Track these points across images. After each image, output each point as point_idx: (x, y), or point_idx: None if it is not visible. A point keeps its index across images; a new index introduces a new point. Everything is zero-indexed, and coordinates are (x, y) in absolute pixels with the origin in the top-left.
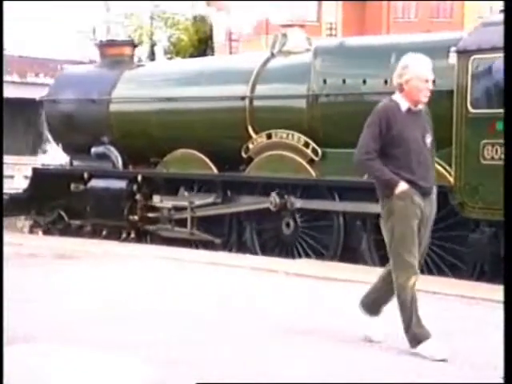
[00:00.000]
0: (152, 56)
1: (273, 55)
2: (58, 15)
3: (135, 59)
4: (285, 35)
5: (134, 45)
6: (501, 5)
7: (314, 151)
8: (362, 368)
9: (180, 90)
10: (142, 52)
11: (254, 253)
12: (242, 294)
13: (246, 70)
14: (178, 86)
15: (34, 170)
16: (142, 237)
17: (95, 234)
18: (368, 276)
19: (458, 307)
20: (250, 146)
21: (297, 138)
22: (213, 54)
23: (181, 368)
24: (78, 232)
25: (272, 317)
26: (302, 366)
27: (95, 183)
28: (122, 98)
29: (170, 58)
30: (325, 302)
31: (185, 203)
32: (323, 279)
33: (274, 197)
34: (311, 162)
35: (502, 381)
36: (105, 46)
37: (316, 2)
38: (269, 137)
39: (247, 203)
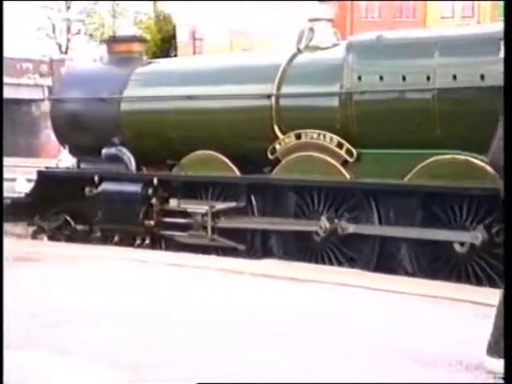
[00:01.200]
0: None
1: (299, 51)
2: (16, 13)
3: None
4: (312, 30)
5: (143, 41)
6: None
7: (349, 152)
8: None
9: (200, 88)
10: (103, 50)
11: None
12: (203, 294)
13: (271, 67)
14: (197, 83)
15: (40, 172)
16: (157, 243)
17: (105, 239)
18: (331, 276)
19: None
20: (277, 146)
21: (329, 138)
22: (176, 54)
23: (141, 372)
24: (85, 238)
25: (233, 316)
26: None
27: (107, 186)
28: (134, 97)
29: None
30: (286, 301)
31: (205, 207)
32: (289, 279)
33: (324, 221)
34: (344, 163)
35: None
36: (112, 42)
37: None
38: (298, 137)
39: (284, 222)
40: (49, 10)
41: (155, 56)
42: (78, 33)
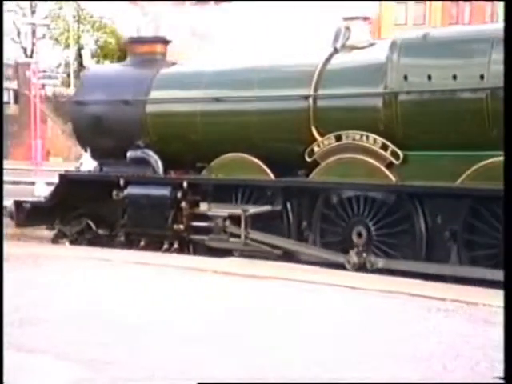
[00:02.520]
0: (79, 59)
1: (336, 50)
2: None
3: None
4: (348, 28)
5: (166, 42)
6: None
7: (394, 154)
8: None
9: (230, 89)
10: (68, 55)
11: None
12: (165, 292)
13: (308, 67)
14: (227, 85)
15: (61, 176)
16: (185, 247)
17: (130, 244)
18: (292, 273)
19: None
20: (316, 148)
21: (372, 140)
22: None
23: (105, 369)
24: (108, 242)
25: (187, 313)
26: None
27: (133, 190)
28: (161, 99)
29: (98, 62)
30: (241, 297)
31: (238, 211)
32: (249, 277)
33: (353, 256)
34: (389, 166)
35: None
36: (134, 43)
37: None
38: (338, 139)
39: (313, 249)
40: (13, 14)
41: (119, 60)
42: (43, 37)
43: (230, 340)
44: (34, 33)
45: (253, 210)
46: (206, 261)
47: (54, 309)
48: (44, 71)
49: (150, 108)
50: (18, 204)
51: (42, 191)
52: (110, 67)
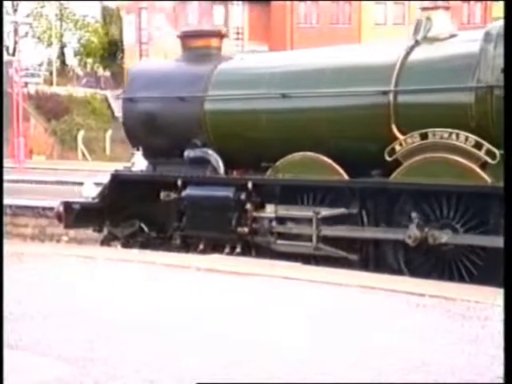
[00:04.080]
0: (62, 57)
1: (417, 42)
2: None
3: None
4: (429, 19)
5: (221, 35)
6: None
7: (489, 153)
8: None
9: (299, 85)
10: (51, 53)
11: (399, 272)
12: (147, 289)
13: (386, 61)
14: (295, 81)
15: (114, 176)
16: (247, 251)
17: (187, 247)
18: (275, 270)
19: None
20: (397, 147)
21: (464, 138)
22: (123, 57)
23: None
24: (163, 245)
25: (167, 309)
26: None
27: (193, 191)
28: (221, 95)
29: (81, 60)
30: (222, 293)
31: (309, 214)
32: (231, 273)
33: (414, 230)
34: (482, 166)
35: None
36: (189, 37)
37: (223, 6)
38: (423, 137)
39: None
40: None
41: (102, 58)
42: (26, 35)
43: (210, 336)
44: (16, 31)
45: (325, 212)
46: (189, 258)
47: (36, 305)
48: (26, 69)
49: (208, 105)
50: (66, 205)
51: (90, 192)
52: (160, 63)
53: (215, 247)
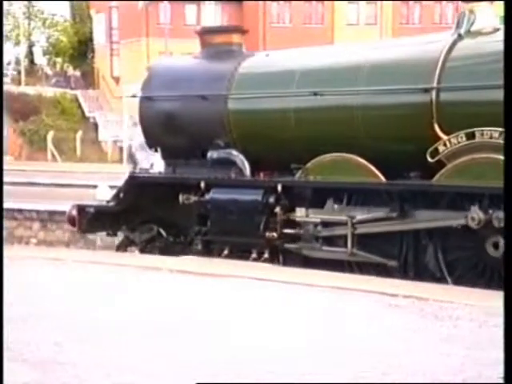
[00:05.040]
0: (30, 56)
1: (460, 37)
2: None
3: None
4: (472, 12)
5: (243, 31)
6: None
7: None
8: None
9: (333, 83)
10: (19, 52)
11: (442, 279)
12: (116, 291)
13: (427, 57)
14: (329, 78)
15: (131, 178)
16: (275, 257)
17: (208, 253)
18: (247, 271)
19: None
20: (441, 148)
21: None
22: (93, 56)
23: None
24: (183, 250)
25: (132, 310)
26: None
27: (218, 194)
28: (246, 94)
29: (50, 59)
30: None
31: (343, 218)
32: (204, 275)
33: (476, 211)
34: None
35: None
36: (208, 33)
37: (195, 5)
38: (469, 137)
39: (431, 219)
40: None
41: (72, 58)
42: None
43: (178, 338)
44: None
45: (361, 216)
46: (162, 260)
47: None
48: None
49: (232, 104)
50: (80, 208)
51: (104, 195)
52: (179, 60)
53: (241, 252)
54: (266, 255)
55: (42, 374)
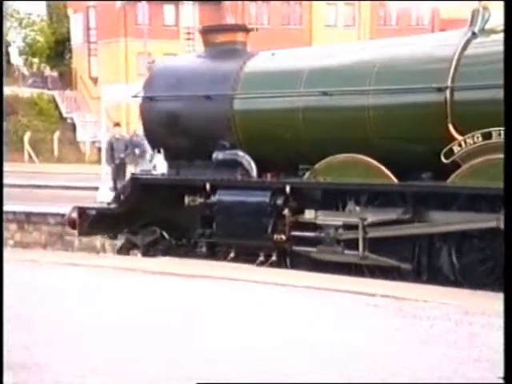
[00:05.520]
0: (7, 56)
1: (474, 35)
2: None
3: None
4: (486, 9)
5: (247, 30)
6: None
7: None
8: None
9: (343, 82)
10: None
11: (456, 284)
12: (91, 293)
13: (441, 55)
14: (339, 77)
15: (134, 180)
16: (283, 260)
17: (213, 255)
18: (223, 271)
19: None
20: (455, 148)
21: None
22: (71, 56)
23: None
24: (187, 253)
25: (116, 313)
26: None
27: (225, 195)
28: (253, 94)
29: (27, 59)
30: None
31: (354, 220)
32: (179, 275)
33: None
34: None
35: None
36: (211, 32)
37: (173, 6)
38: (486, 137)
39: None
40: None
41: (49, 58)
42: None
43: (154, 339)
44: None
45: (373, 218)
46: (137, 261)
47: None
48: None
49: (238, 104)
50: (81, 211)
51: (105, 197)
52: (182, 59)
53: (247, 255)
54: (274, 258)
55: (16, 376)
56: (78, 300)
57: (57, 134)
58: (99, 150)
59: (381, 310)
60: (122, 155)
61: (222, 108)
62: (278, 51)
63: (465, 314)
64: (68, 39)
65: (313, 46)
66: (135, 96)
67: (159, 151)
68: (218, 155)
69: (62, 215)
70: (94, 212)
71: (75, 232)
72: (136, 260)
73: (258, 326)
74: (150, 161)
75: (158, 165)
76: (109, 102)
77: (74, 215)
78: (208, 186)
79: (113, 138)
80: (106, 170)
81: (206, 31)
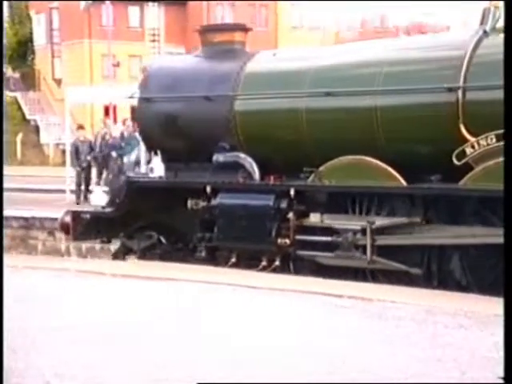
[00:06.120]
0: None
1: (486, 33)
2: None
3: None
4: (498, 8)
5: (246, 29)
6: None
7: None
8: None
9: (349, 82)
10: None
11: (467, 289)
12: (54, 296)
13: (451, 54)
14: (344, 77)
15: (130, 183)
16: (286, 265)
17: (214, 260)
18: (191, 274)
19: None
20: (468, 150)
21: None
22: (34, 58)
23: None
24: (185, 258)
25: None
26: None
27: (227, 199)
28: (255, 94)
29: None
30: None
31: (361, 223)
32: (145, 278)
33: None
34: None
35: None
36: (209, 31)
37: (138, 7)
38: (500, 138)
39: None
40: None
41: (11, 59)
42: None
43: (118, 342)
44: None
45: (381, 221)
46: (104, 264)
47: None
48: None
49: (240, 105)
50: (75, 215)
51: (100, 200)
52: (179, 59)
53: (249, 260)
54: (277, 263)
55: None
56: (39, 303)
57: (19, 136)
58: (63, 152)
59: (347, 311)
60: (89, 158)
61: (222, 109)
62: (279, 51)
63: (429, 314)
64: (31, 40)
65: (316, 46)
66: (131, 97)
67: (156, 153)
68: (218, 157)
69: (26, 218)
70: (88, 216)
71: (38, 235)
72: (101, 263)
73: (217, 328)
74: (148, 163)
75: (155, 167)
76: (73, 103)
77: (68, 219)
78: (209, 189)
79: (77, 140)
80: (70, 173)
81: (204, 31)
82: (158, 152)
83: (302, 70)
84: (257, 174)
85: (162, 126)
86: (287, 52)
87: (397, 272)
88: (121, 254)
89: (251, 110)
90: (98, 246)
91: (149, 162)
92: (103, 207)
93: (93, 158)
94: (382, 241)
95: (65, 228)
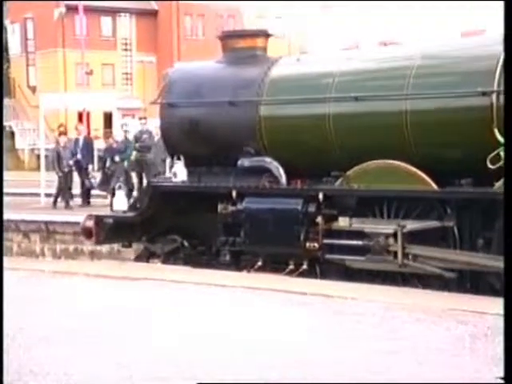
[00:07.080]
0: None
1: None
2: None
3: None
4: None
5: (267, 35)
6: None
7: None
8: None
9: (377, 86)
10: None
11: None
12: (28, 296)
13: (485, 58)
14: (372, 81)
15: (154, 187)
16: (313, 269)
17: (238, 264)
18: (164, 274)
19: None
20: (503, 154)
21: None
22: (9, 66)
23: None
24: (209, 262)
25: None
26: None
27: (254, 203)
28: (280, 100)
29: None
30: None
31: (391, 227)
32: (120, 278)
33: None
34: None
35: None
36: (231, 37)
37: (111, 17)
38: None
39: None
40: None
41: None
42: None
43: (91, 339)
44: None
45: (412, 225)
46: (77, 265)
47: None
48: None
49: (265, 110)
50: (98, 219)
51: (122, 205)
52: (201, 65)
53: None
54: (305, 266)
55: None
56: (13, 305)
57: None
58: (38, 157)
59: (309, 308)
60: (71, 162)
61: (247, 114)
62: (302, 56)
63: (388, 310)
64: (6, 49)
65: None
66: (154, 103)
67: (179, 158)
68: (243, 162)
69: None
70: (111, 220)
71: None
72: (75, 264)
73: (192, 323)
74: (170, 168)
75: (178, 172)
76: (47, 110)
77: (90, 224)
78: (234, 194)
79: (59, 146)
80: (45, 177)
81: (225, 37)
82: (181, 157)
83: (327, 74)
84: (283, 178)
85: (185, 131)
86: (311, 57)
87: (428, 276)
88: (144, 258)
89: (277, 115)
90: (71, 247)
91: (171, 166)
92: (125, 212)
93: (74, 162)
94: (415, 250)
95: (87, 232)
